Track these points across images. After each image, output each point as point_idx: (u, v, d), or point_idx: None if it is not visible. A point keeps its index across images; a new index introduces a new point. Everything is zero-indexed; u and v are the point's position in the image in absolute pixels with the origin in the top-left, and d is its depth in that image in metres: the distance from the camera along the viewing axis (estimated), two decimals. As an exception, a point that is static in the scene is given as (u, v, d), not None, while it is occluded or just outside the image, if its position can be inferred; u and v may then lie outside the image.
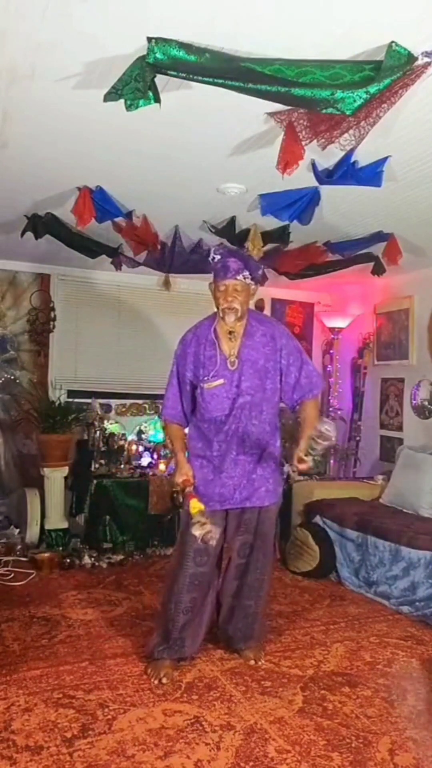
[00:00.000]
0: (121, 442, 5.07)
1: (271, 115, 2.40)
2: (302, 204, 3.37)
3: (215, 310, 2.85)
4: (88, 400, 5.17)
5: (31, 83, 2.28)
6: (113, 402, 5.42)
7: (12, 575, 4.07)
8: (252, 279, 2.80)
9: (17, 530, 4.71)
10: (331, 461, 5.81)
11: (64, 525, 4.72)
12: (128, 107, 2.12)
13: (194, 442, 2.92)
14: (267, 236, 4.00)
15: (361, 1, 1.78)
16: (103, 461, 4.91)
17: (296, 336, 3.71)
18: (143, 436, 5.37)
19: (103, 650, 3.03)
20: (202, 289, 3.37)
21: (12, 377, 5.05)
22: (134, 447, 5.12)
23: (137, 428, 5.39)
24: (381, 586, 3.84)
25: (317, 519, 4.45)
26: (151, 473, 4.90)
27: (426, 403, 5.04)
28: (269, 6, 1.81)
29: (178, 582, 2.81)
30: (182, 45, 1.95)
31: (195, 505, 2.61)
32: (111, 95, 2.10)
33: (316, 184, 3.12)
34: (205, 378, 2.80)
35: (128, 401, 5.49)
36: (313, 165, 2.92)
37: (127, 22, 1.89)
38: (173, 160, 2.99)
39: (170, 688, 2.66)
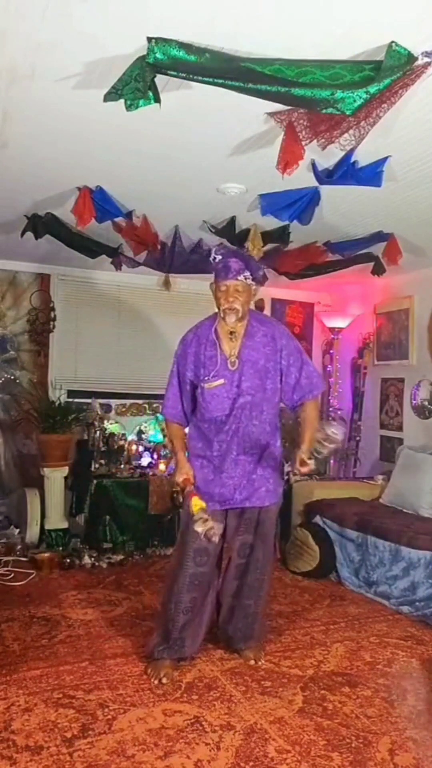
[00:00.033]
0: (121, 442, 5.07)
1: (271, 115, 2.41)
2: (302, 204, 3.37)
3: (216, 310, 2.85)
4: (88, 400, 5.17)
5: (31, 83, 2.28)
6: (113, 402, 5.42)
7: (12, 575, 4.07)
8: (253, 279, 2.80)
9: (17, 530, 4.71)
10: (331, 461, 5.81)
11: (64, 525, 4.72)
12: (128, 107, 2.12)
13: (194, 442, 2.92)
14: (267, 236, 4.00)
15: (361, 1, 1.78)
16: (103, 461, 4.91)
17: (296, 336, 3.71)
18: (143, 436, 5.37)
19: (103, 650, 3.03)
20: (202, 289, 3.37)
21: (12, 377, 5.05)
22: (134, 447, 5.12)
23: (137, 428, 5.39)
24: (381, 586, 3.84)
25: (317, 519, 4.45)
26: (151, 473, 4.90)
27: (426, 403, 5.04)
28: (269, 6, 1.81)
29: (178, 582, 2.81)
30: (182, 45, 1.95)
31: (196, 503, 2.62)
32: (111, 95, 2.11)
33: (316, 184, 3.12)
34: (206, 378, 2.81)
35: (128, 401, 5.49)
36: (313, 165, 2.92)
37: (127, 22, 1.89)
38: (173, 160, 3.00)
39: (170, 688, 2.66)
